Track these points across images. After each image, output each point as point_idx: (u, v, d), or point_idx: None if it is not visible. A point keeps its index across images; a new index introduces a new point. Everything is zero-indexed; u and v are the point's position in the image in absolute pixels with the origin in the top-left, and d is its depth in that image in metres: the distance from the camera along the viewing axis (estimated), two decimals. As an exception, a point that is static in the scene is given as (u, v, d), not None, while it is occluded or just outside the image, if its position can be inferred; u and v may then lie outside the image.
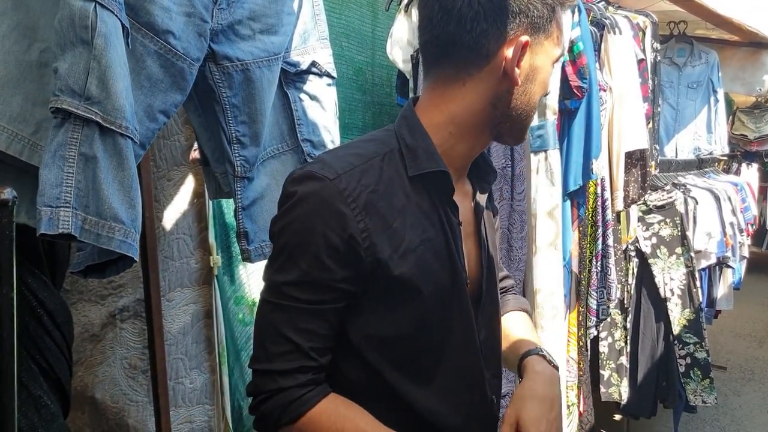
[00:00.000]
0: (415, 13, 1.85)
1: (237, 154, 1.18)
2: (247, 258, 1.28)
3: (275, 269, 0.78)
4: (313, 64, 1.30)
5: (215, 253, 1.63)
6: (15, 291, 0.67)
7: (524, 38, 0.78)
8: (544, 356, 0.93)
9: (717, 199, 3.46)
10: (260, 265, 1.73)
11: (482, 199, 0.91)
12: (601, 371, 2.81)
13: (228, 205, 1.67)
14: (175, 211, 1.60)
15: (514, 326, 1.03)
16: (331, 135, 1.36)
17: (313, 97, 1.31)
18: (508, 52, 0.78)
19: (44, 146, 0.78)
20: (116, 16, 0.77)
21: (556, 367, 0.93)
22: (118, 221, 0.80)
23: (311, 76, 1.31)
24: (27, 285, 0.91)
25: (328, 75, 1.34)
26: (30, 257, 0.92)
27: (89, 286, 1.46)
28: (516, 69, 0.79)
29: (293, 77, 1.28)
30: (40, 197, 0.74)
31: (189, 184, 1.63)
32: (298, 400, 0.77)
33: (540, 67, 0.82)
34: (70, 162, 0.73)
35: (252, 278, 1.70)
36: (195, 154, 1.58)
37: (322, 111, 1.32)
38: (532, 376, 0.89)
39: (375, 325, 0.80)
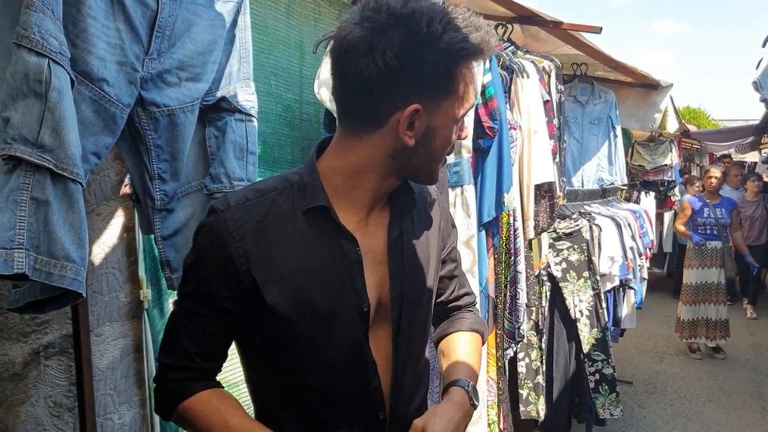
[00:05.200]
0: (341, 56, 1.97)
1: (158, 189, 1.23)
2: (171, 286, 1.31)
3: (181, 281, 0.92)
4: (223, 99, 1.33)
5: (145, 286, 1.64)
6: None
7: (414, 106, 0.80)
8: (467, 392, 0.97)
9: (618, 226, 3.75)
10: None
11: (397, 228, 0.94)
12: (520, 390, 2.94)
13: (158, 239, 1.69)
14: (104, 245, 1.60)
15: (457, 347, 1.07)
16: (224, 169, 1.35)
17: (222, 131, 1.34)
18: (400, 118, 0.81)
19: None
20: (66, 70, 0.82)
21: (475, 406, 0.98)
22: (70, 260, 0.83)
23: (224, 113, 1.34)
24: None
25: (239, 111, 1.37)
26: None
27: (9, 323, 1.43)
28: (408, 132, 0.82)
29: (208, 113, 1.32)
30: None
31: (118, 219, 1.64)
32: (180, 390, 0.89)
33: (438, 126, 0.84)
34: (22, 206, 0.77)
35: (182, 311, 1.71)
36: (126, 189, 1.60)
37: (223, 145, 1.35)
38: (449, 404, 0.95)
39: (264, 343, 0.90)
